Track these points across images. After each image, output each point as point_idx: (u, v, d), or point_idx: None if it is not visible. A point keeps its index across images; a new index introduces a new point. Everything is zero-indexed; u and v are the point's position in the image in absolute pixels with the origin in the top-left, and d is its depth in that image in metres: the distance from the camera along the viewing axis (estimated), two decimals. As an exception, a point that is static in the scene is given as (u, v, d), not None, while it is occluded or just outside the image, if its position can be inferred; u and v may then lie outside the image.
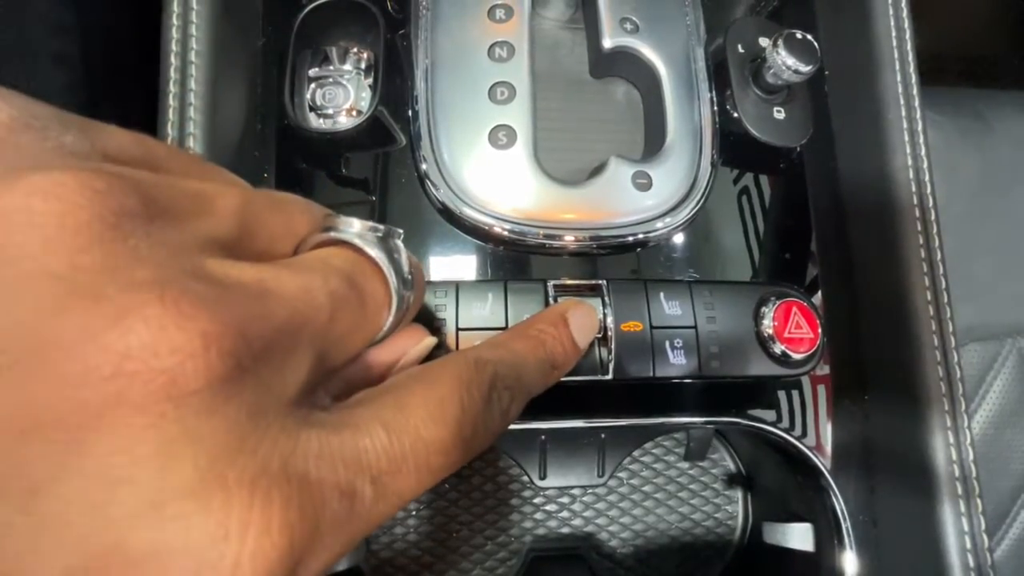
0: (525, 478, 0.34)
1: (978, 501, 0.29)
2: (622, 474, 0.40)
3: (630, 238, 0.30)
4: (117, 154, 0.13)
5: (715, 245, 0.33)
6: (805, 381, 0.33)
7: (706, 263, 0.32)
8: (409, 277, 0.18)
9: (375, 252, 0.17)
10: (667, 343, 0.29)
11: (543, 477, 0.32)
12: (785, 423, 0.32)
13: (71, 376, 0.09)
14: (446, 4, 0.32)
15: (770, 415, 0.32)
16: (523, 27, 0.31)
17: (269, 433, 0.12)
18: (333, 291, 0.15)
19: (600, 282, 0.29)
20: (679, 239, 0.32)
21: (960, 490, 0.30)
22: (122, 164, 0.12)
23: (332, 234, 0.17)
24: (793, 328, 0.30)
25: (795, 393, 0.33)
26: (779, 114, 0.34)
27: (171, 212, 0.12)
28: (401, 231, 0.18)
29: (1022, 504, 0.60)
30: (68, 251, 0.10)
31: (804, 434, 0.33)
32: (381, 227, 0.17)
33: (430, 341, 0.20)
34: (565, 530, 0.39)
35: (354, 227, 0.17)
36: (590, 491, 0.39)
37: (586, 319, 0.23)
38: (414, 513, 0.38)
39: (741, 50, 0.34)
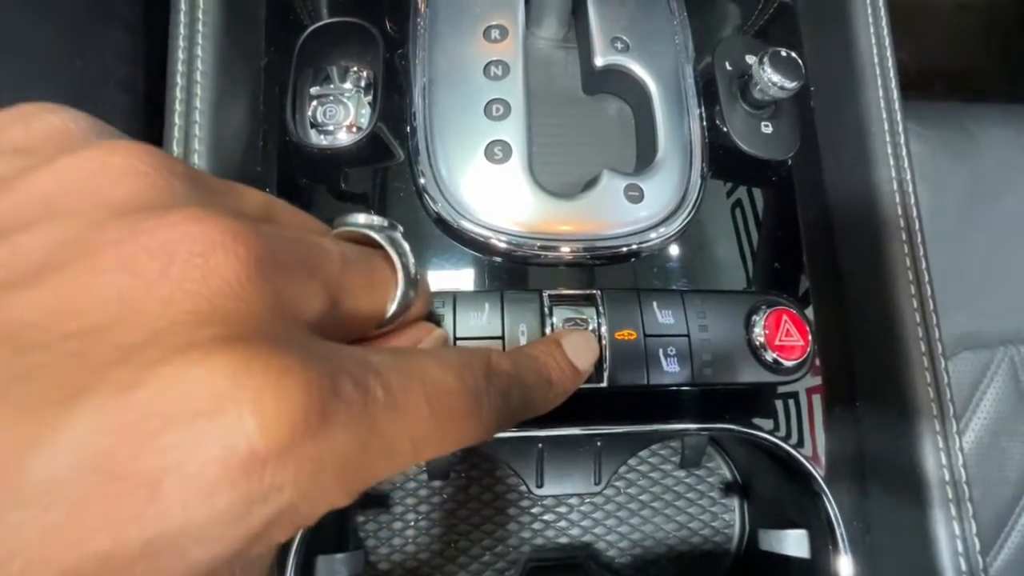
0: (523, 487, 0.35)
1: (969, 506, 0.30)
2: (619, 483, 0.40)
3: (623, 249, 0.31)
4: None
5: (707, 255, 0.34)
6: (800, 391, 0.34)
7: (698, 273, 0.33)
8: (414, 274, 0.19)
9: (382, 239, 0.18)
10: (660, 351, 0.29)
11: (540, 485, 0.33)
12: (782, 432, 0.33)
13: (119, 254, 0.12)
14: (443, 24, 0.33)
15: (766, 424, 0.33)
16: (518, 46, 0.32)
17: (288, 327, 0.13)
18: (344, 251, 0.17)
19: (594, 292, 0.30)
20: (671, 249, 0.32)
21: (951, 495, 0.31)
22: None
23: (342, 229, 0.19)
24: (784, 336, 0.30)
25: (791, 403, 0.34)
26: (767, 128, 0.35)
27: (210, 189, 0.15)
28: (400, 227, 0.19)
29: (1020, 512, 0.60)
30: (131, 188, 0.13)
31: (800, 443, 0.33)
32: (385, 220, 0.19)
33: (441, 333, 0.21)
34: (563, 539, 0.39)
35: (360, 219, 0.19)
36: (587, 500, 0.40)
37: (581, 341, 0.24)
38: (412, 524, 0.38)
39: (728, 67, 0.35)
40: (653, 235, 0.31)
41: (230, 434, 0.10)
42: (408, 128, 0.32)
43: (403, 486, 0.38)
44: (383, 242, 0.18)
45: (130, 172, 0.13)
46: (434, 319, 0.27)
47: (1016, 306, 0.58)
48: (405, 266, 0.18)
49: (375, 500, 0.38)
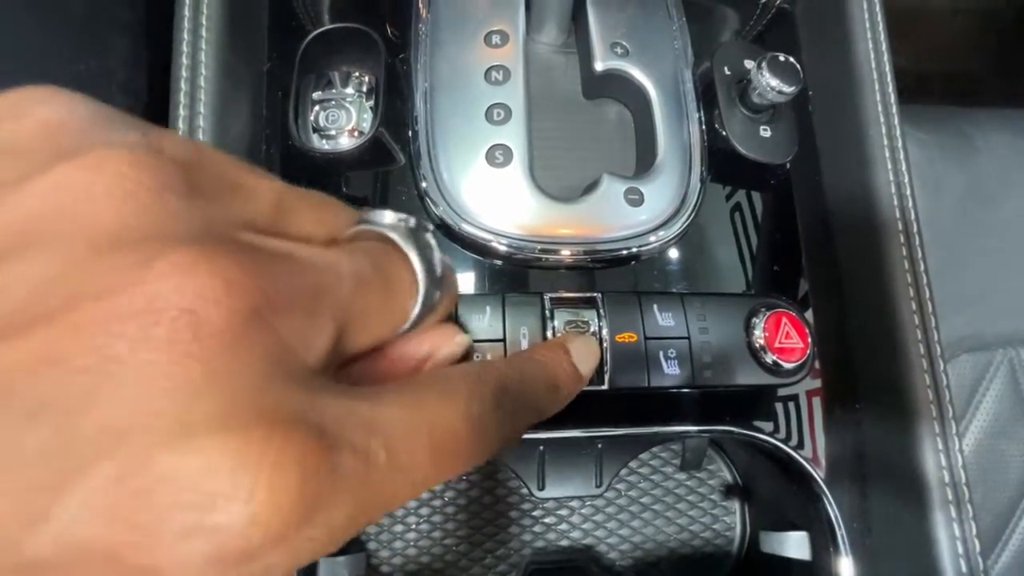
0: (524, 490, 0.35)
1: (969, 507, 0.30)
2: (620, 486, 0.40)
3: (624, 252, 0.31)
4: (171, 151, 0.14)
5: (707, 258, 0.34)
6: (801, 394, 0.34)
7: (698, 276, 0.33)
8: (439, 273, 0.18)
9: (403, 242, 0.17)
10: (661, 353, 0.30)
11: (541, 488, 0.33)
12: (782, 435, 0.33)
13: (103, 310, 0.11)
14: (444, 30, 0.33)
15: (766, 427, 0.33)
16: (518, 52, 0.32)
17: (288, 385, 0.12)
18: (358, 270, 0.15)
19: (595, 295, 0.30)
20: (671, 252, 0.33)
21: (951, 496, 0.31)
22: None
23: (363, 226, 0.17)
24: (783, 338, 0.31)
25: (791, 405, 0.34)
26: (765, 132, 0.35)
27: (211, 193, 0.14)
28: (431, 226, 0.18)
29: (1021, 514, 0.60)
30: (117, 213, 0.11)
31: (801, 446, 0.33)
32: (412, 219, 0.18)
33: (463, 339, 0.20)
34: (564, 542, 0.39)
35: (385, 218, 0.17)
36: (589, 503, 0.40)
37: (584, 347, 0.24)
38: (414, 527, 0.38)
39: (727, 72, 0.36)
40: (653, 238, 0.31)
41: (223, 534, 0.10)
42: (410, 132, 0.32)
43: (404, 489, 0.38)
44: (404, 246, 0.17)
45: (118, 193, 0.12)
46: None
47: (1015, 309, 0.59)
48: (428, 270, 0.17)
49: (376, 503, 0.38)
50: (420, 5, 0.34)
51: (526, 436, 0.30)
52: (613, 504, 0.40)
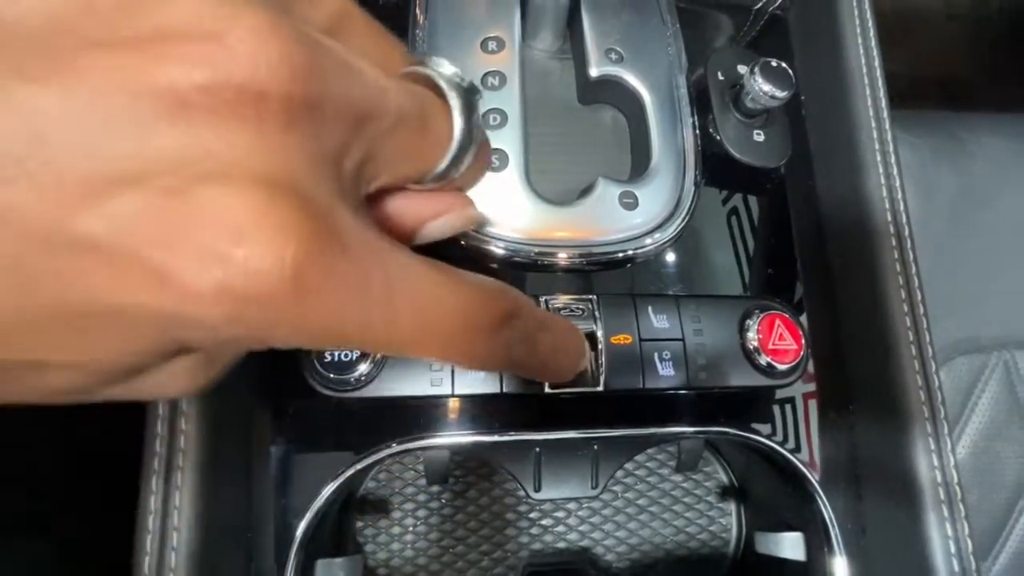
0: (520, 492, 0.35)
1: (961, 507, 0.30)
2: (616, 487, 0.40)
3: (619, 254, 0.31)
4: None
5: (701, 261, 0.34)
6: (797, 396, 0.34)
7: (693, 278, 0.34)
8: (476, 138, 0.18)
9: (452, 95, 0.17)
10: (656, 355, 0.30)
11: (538, 489, 0.33)
12: (779, 437, 0.33)
13: (185, 51, 0.12)
14: (441, 36, 0.33)
15: (763, 429, 0.33)
16: (514, 58, 0.33)
17: (319, 182, 0.13)
18: (402, 105, 0.16)
19: (591, 297, 0.31)
20: (667, 255, 0.33)
21: (943, 496, 0.31)
22: None
23: (420, 68, 0.18)
24: (777, 340, 0.31)
25: (788, 407, 0.34)
26: (759, 136, 0.35)
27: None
28: (481, 92, 0.19)
29: (1018, 516, 0.60)
30: None
31: (797, 448, 0.33)
32: (468, 80, 0.18)
33: (476, 214, 0.21)
34: (561, 545, 0.39)
35: (443, 67, 0.18)
36: (585, 505, 0.40)
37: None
38: (411, 529, 0.38)
39: (721, 77, 0.36)
40: (648, 241, 0.31)
41: (227, 276, 0.12)
42: None
43: (402, 491, 0.38)
44: (451, 99, 0.17)
45: None
46: None
47: (1009, 311, 0.59)
48: (467, 129, 0.17)
49: (374, 505, 0.38)
50: (417, 11, 0.34)
51: (522, 437, 0.30)
52: (610, 506, 0.40)
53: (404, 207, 0.19)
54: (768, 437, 0.33)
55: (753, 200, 0.36)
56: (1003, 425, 0.59)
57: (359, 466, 0.29)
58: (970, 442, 0.59)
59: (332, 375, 0.28)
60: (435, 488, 0.39)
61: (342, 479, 0.29)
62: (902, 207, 0.34)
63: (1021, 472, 0.61)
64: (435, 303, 0.15)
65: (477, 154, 0.19)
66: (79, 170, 0.11)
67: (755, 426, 0.33)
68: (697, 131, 0.34)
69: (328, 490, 0.29)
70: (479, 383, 0.29)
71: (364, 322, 0.14)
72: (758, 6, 0.40)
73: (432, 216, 0.19)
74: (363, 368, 0.28)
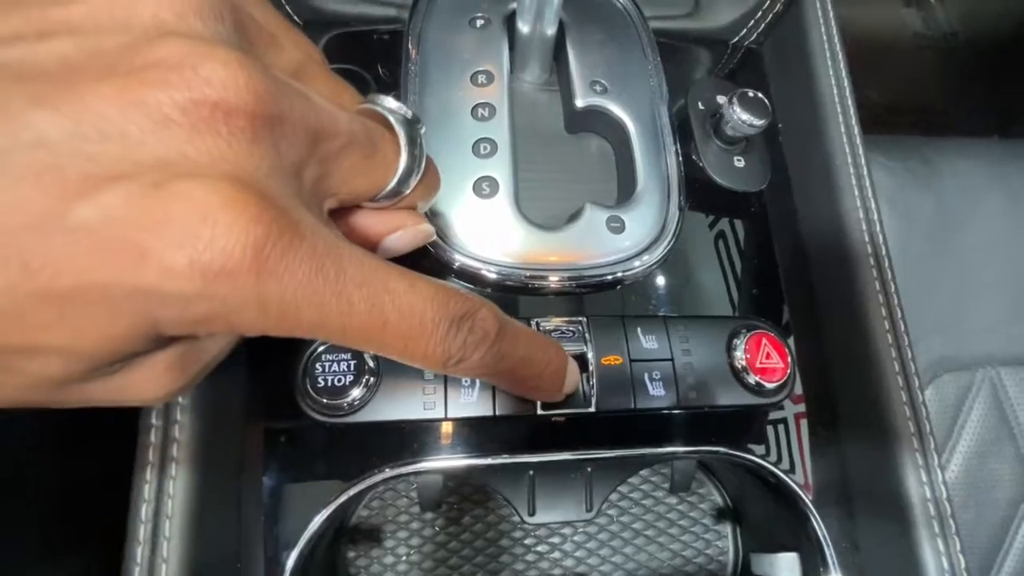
0: (515, 517, 0.35)
1: (951, 523, 0.30)
2: (612, 512, 0.40)
3: (608, 277, 0.32)
4: None
5: (691, 283, 0.35)
6: (789, 417, 0.34)
7: (683, 300, 0.34)
8: (421, 161, 0.21)
9: (397, 124, 0.20)
10: (646, 375, 0.30)
11: (532, 514, 0.33)
12: (774, 458, 0.33)
13: (167, 75, 0.14)
14: (433, 70, 0.35)
15: (757, 451, 0.33)
16: (503, 90, 0.34)
17: (277, 182, 0.16)
18: (353, 131, 0.18)
19: (581, 319, 0.31)
20: (653, 277, 0.34)
21: (934, 512, 0.31)
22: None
23: (369, 104, 0.21)
24: (764, 358, 0.32)
25: (781, 428, 0.34)
26: (739, 162, 0.37)
27: (253, 37, 0.17)
28: (423, 126, 0.21)
29: (1015, 532, 0.60)
30: (191, 23, 0.15)
31: (792, 469, 0.34)
32: (411, 112, 0.21)
33: (427, 228, 0.23)
34: (557, 572, 0.39)
35: (388, 103, 0.21)
36: (581, 530, 0.40)
37: (572, 368, 0.27)
38: (404, 559, 0.38)
39: (701, 107, 0.38)
40: (635, 264, 0.32)
41: (196, 250, 0.14)
42: None
43: (395, 519, 0.38)
44: (396, 127, 0.20)
45: (189, 9, 0.16)
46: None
47: (989, 329, 0.60)
48: (411, 153, 0.20)
49: (366, 535, 0.38)
50: (410, 47, 0.36)
51: (515, 460, 0.30)
52: (605, 531, 0.40)
53: (364, 223, 0.22)
54: (762, 458, 0.33)
55: (739, 223, 0.37)
56: (993, 442, 0.60)
57: (351, 492, 0.29)
58: (962, 459, 0.59)
59: (325, 400, 0.28)
60: (428, 515, 0.38)
61: (334, 506, 0.28)
62: (878, 228, 0.35)
63: (1015, 489, 0.61)
64: (390, 297, 0.17)
65: (424, 177, 0.21)
66: (78, 170, 0.13)
67: (750, 447, 0.33)
68: (680, 158, 0.35)
69: (319, 519, 0.28)
70: (472, 406, 0.29)
71: (319, 303, 0.16)
72: (734, 40, 0.42)
73: (388, 232, 0.22)
74: (356, 393, 0.28)
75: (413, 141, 0.21)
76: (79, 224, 0.13)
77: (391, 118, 0.20)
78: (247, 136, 0.15)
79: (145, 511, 0.26)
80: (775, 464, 0.33)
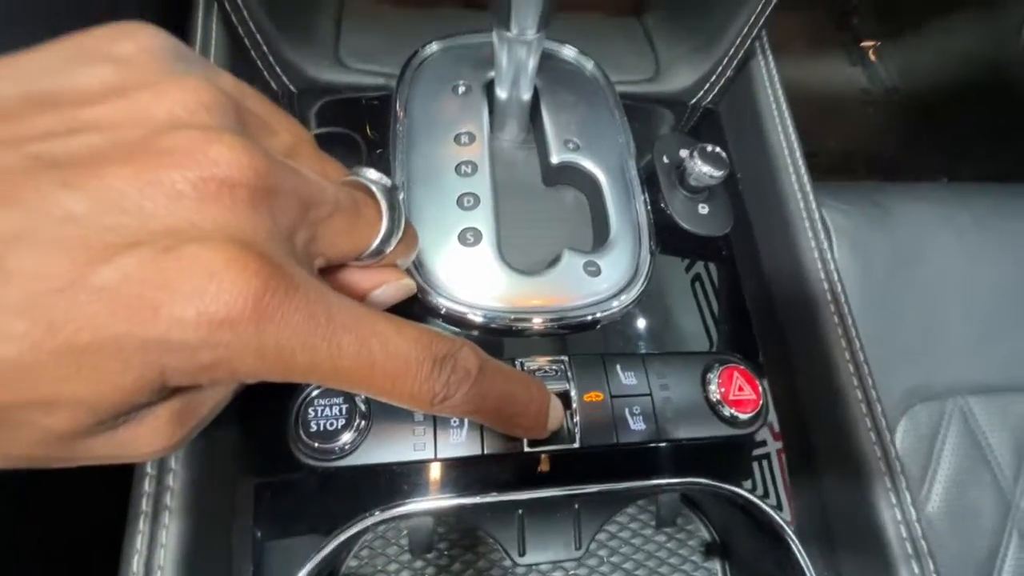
0: (506, 562, 0.35)
1: (929, 561, 0.32)
2: (601, 552, 0.40)
3: (587, 318, 0.34)
4: (226, 86, 0.20)
5: (663, 320, 0.37)
6: (773, 453, 0.36)
7: (657, 336, 0.36)
8: (401, 224, 0.24)
9: (378, 192, 0.23)
10: (626, 410, 0.32)
11: (522, 554, 0.33)
12: (760, 492, 0.34)
13: (179, 158, 0.16)
14: (418, 132, 0.38)
15: (745, 486, 0.34)
16: (484, 149, 0.37)
17: (274, 244, 0.18)
18: (339, 199, 0.21)
19: (563, 358, 0.33)
20: (630, 316, 0.36)
21: (911, 549, 0.32)
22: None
23: (353, 176, 0.23)
24: (736, 391, 0.33)
25: (765, 464, 0.36)
26: (703, 210, 0.40)
27: (249, 124, 0.20)
28: (402, 192, 0.24)
29: (1002, 560, 0.61)
30: (195, 112, 0.18)
31: (780, 506, 0.35)
32: (390, 181, 0.23)
33: (408, 283, 0.25)
34: (550, 617, 0.38)
35: (370, 174, 0.24)
36: (572, 572, 0.40)
37: (555, 405, 0.28)
38: (395, 611, 0.37)
39: (666, 160, 0.41)
40: (613, 304, 0.34)
41: (202, 303, 0.16)
42: None
43: (385, 568, 0.38)
44: (377, 194, 0.23)
45: (191, 103, 0.18)
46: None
47: (954, 360, 0.63)
48: (391, 217, 0.23)
49: (356, 586, 0.37)
50: (398, 109, 0.39)
51: (504, 498, 0.31)
52: (596, 572, 0.40)
53: (350, 280, 0.24)
54: (743, 489, 0.34)
55: (707, 264, 0.39)
56: (970, 470, 0.62)
57: (342, 538, 0.29)
58: (943, 488, 0.61)
59: (317, 444, 0.29)
60: (419, 563, 0.38)
61: (324, 553, 0.29)
62: (833, 267, 0.38)
63: (997, 518, 0.62)
64: (377, 340, 0.19)
65: (403, 237, 0.24)
66: (101, 240, 0.15)
67: (737, 482, 0.34)
68: (648, 206, 0.38)
69: (310, 566, 0.28)
70: (461, 446, 0.30)
71: (312, 347, 0.18)
72: (693, 101, 0.46)
73: (372, 287, 0.24)
74: (347, 436, 0.29)
75: (392, 207, 0.23)
76: (100, 285, 0.15)
77: (372, 187, 0.23)
78: (248, 205, 0.17)
79: (137, 563, 0.26)
80: (762, 498, 0.34)
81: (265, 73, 0.40)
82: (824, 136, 1.23)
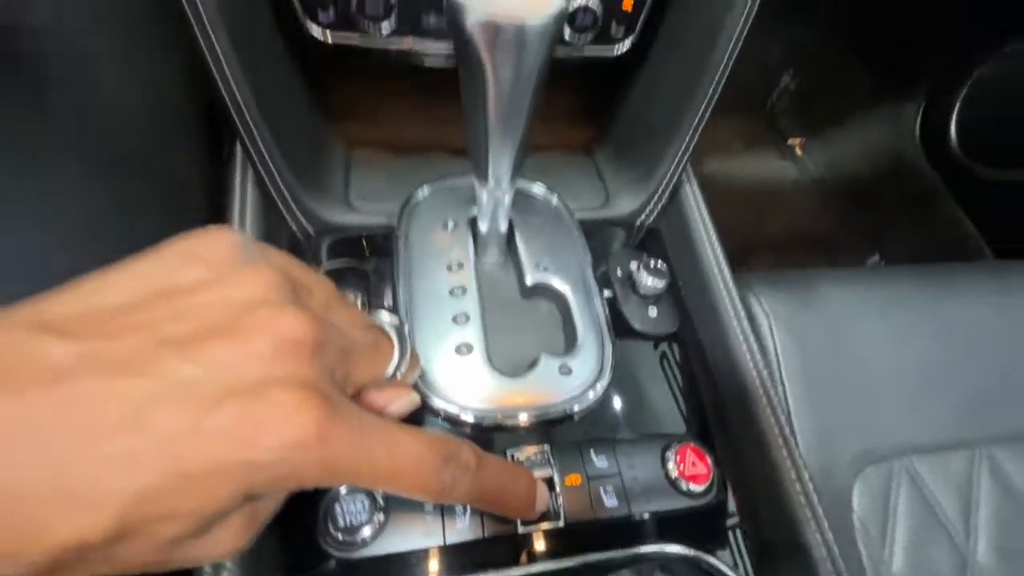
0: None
1: None
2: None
3: (564, 411, 0.41)
4: (279, 264, 0.27)
5: (628, 408, 0.44)
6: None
7: (624, 421, 0.43)
8: (408, 355, 0.32)
9: (391, 332, 0.32)
10: (601, 489, 0.38)
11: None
12: (742, 571, 0.40)
13: (260, 334, 0.23)
14: (416, 261, 0.46)
15: (724, 556, 0.40)
16: (471, 274, 0.46)
17: (327, 385, 0.24)
18: (366, 343, 0.29)
19: (545, 447, 0.39)
20: (599, 407, 0.43)
21: None
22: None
23: (372, 320, 0.32)
24: (690, 467, 0.40)
25: (739, 531, 0.41)
26: (653, 312, 0.49)
27: (300, 289, 0.26)
28: (406, 323, 0.32)
29: (969, 620, 0.64)
30: (266, 293, 0.25)
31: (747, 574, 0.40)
32: (399, 320, 0.32)
33: (415, 398, 0.32)
34: None
35: (384, 318, 0.33)
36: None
37: (542, 491, 0.34)
38: None
39: (619, 273, 0.50)
40: (584, 398, 0.41)
41: (285, 433, 0.21)
42: None
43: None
44: (390, 332, 0.31)
45: (266, 287, 0.24)
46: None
47: (894, 424, 0.71)
48: (402, 351, 0.31)
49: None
50: (400, 244, 0.48)
51: (500, 574, 0.36)
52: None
53: (372, 398, 0.31)
54: (732, 568, 0.40)
55: (662, 359, 0.47)
56: (924, 527, 0.67)
57: None
58: (902, 549, 0.66)
59: (342, 536, 0.34)
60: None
61: None
62: (759, 357, 0.46)
63: (956, 574, 0.67)
64: (398, 447, 0.26)
65: (410, 363, 0.33)
66: (208, 393, 0.21)
67: (716, 553, 0.40)
68: (607, 312, 0.47)
69: None
70: (465, 531, 0.36)
71: (354, 457, 0.24)
72: (638, 222, 0.56)
73: (388, 403, 0.32)
74: (368, 529, 0.34)
75: (403, 340, 0.32)
76: (213, 428, 0.20)
77: (386, 328, 0.32)
78: (308, 358, 0.23)
79: None
80: (732, 568, 0.40)
81: (288, 220, 0.49)
82: (768, 221, 1.39)
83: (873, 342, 0.74)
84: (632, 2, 0.47)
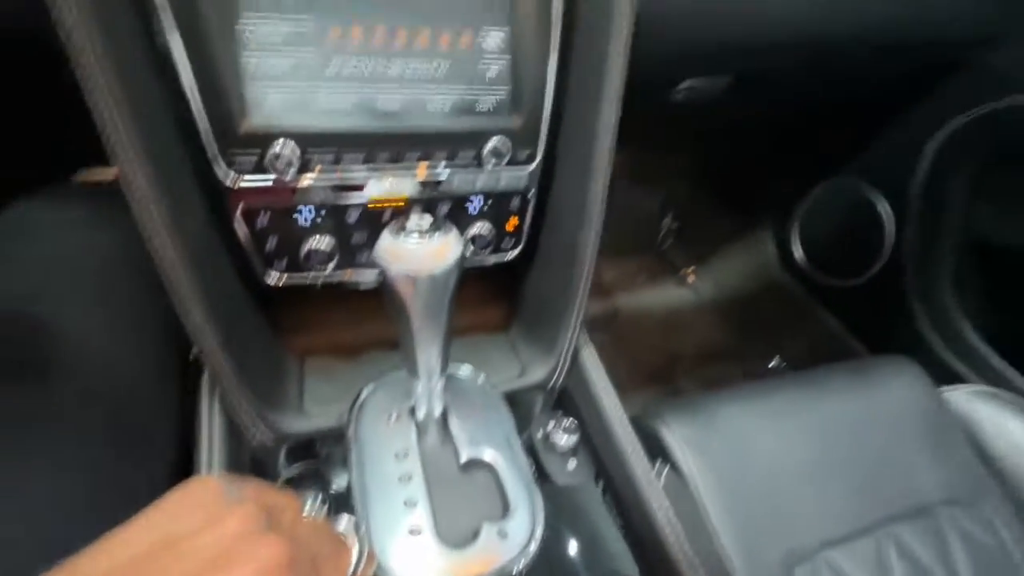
0: None
1: None
2: None
3: (510, 572, 0.48)
4: (255, 496, 0.34)
5: (564, 558, 0.51)
6: None
7: (562, 567, 0.50)
8: (365, 554, 0.39)
9: (350, 537, 0.39)
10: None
11: None
12: None
13: (240, 560, 0.29)
14: (365, 455, 0.54)
15: None
16: (416, 459, 0.54)
17: None
18: (329, 551, 0.36)
19: None
20: (536, 563, 0.50)
21: None
22: None
23: (333, 527, 0.39)
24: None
25: None
26: (571, 465, 0.58)
27: (270, 514, 0.32)
28: (364, 516, 0.41)
29: None
30: (242, 523, 0.31)
31: None
32: (355, 522, 0.40)
33: None
34: None
35: (342, 524, 0.40)
36: None
37: None
38: None
39: (539, 435, 0.61)
40: (526, 553, 0.49)
41: None
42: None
43: None
44: (349, 540, 0.39)
45: (248, 519, 0.30)
46: None
47: (807, 521, 0.80)
48: (359, 552, 0.38)
49: None
50: (351, 442, 0.56)
51: None
52: None
53: None
54: None
55: (583, 507, 0.56)
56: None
57: None
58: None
59: None
60: None
61: None
62: (667, 503, 0.56)
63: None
64: None
65: (367, 559, 0.41)
66: None
67: None
68: (535, 472, 0.56)
69: None
70: None
71: None
72: (550, 386, 0.68)
73: None
74: None
75: (360, 541, 0.40)
76: None
77: (345, 533, 0.40)
78: (286, 573, 0.29)
79: None
80: None
81: (251, 438, 0.56)
82: (677, 341, 1.58)
83: (770, 451, 0.86)
84: (514, 225, 0.64)
